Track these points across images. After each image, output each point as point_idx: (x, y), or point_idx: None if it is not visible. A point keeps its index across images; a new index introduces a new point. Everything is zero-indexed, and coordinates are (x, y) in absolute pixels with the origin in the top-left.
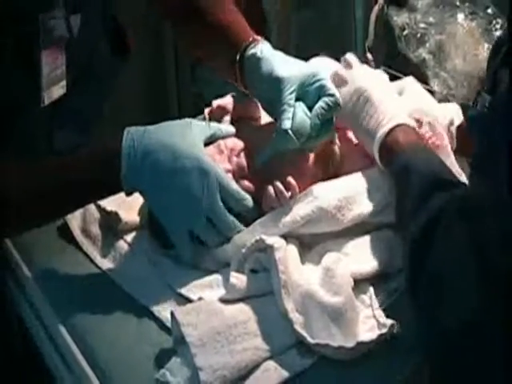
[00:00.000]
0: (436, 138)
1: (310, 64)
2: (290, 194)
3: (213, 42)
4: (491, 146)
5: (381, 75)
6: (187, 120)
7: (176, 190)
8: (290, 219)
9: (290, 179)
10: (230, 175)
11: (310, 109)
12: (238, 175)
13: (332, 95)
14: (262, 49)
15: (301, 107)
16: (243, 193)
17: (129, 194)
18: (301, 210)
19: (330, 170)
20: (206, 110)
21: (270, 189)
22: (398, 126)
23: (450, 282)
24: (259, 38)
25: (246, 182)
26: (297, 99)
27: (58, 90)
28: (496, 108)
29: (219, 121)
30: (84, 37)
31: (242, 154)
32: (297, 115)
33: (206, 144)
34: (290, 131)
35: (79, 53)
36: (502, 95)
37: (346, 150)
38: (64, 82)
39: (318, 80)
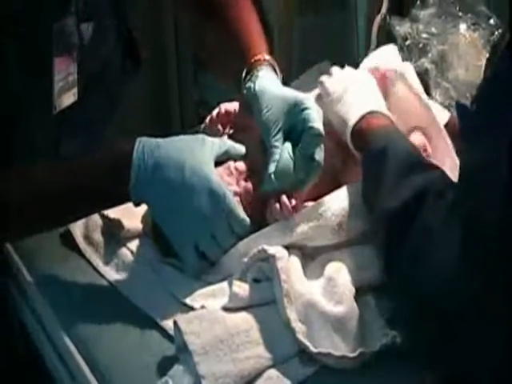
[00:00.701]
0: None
1: (296, 91)
2: (294, 204)
3: (224, 51)
4: (480, 128)
5: (369, 78)
6: (200, 136)
7: (184, 207)
8: (293, 233)
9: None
10: (237, 198)
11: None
12: (245, 199)
13: (311, 128)
14: (256, 81)
15: (287, 149)
16: (246, 218)
17: (137, 204)
18: (304, 225)
19: (336, 178)
20: (214, 113)
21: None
22: (371, 112)
23: (433, 259)
24: (261, 58)
25: (251, 208)
26: (286, 137)
27: (69, 98)
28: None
29: (224, 126)
30: (96, 45)
31: (250, 179)
32: (282, 158)
33: (217, 162)
34: (272, 176)
35: (90, 61)
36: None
37: (351, 158)
38: (75, 90)
39: (303, 109)
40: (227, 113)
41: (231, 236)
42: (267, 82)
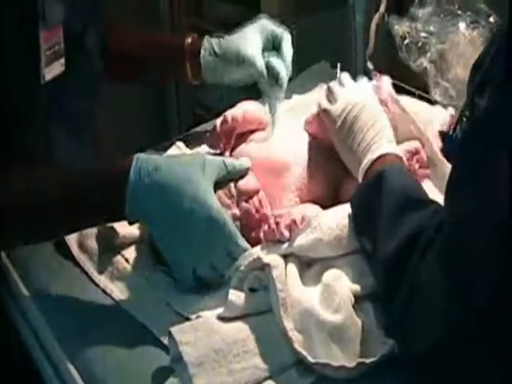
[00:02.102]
0: (425, 169)
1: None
2: (288, 223)
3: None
4: (467, 170)
5: (372, 94)
6: (200, 157)
7: (182, 234)
8: (290, 246)
9: (294, 217)
10: (237, 223)
11: None
12: (245, 222)
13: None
14: (213, 43)
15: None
16: (247, 245)
17: (131, 223)
18: (301, 239)
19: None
20: (218, 123)
21: (271, 222)
22: (383, 155)
23: (427, 305)
24: (193, 37)
25: (254, 234)
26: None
27: (57, 68)
28: (473, 133)
29: (228, 139)
30: (73, 19)
31: (251, 200)
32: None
33: (218, 183)
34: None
35: (69, 34)
36: (478, 121)
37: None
38: (63, 60)
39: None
40: (233, 120)
41: (231, 263)
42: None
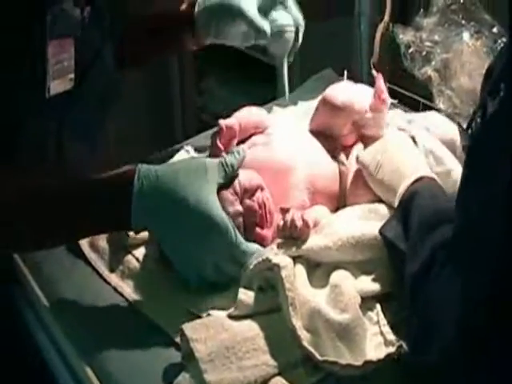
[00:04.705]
0: None
1: None
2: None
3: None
4: (474, 172)
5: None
6: (202, 161)
7: (185, 240)
8: (298, 249)
9: (306, 218)
10: (240, 219)
11: None
12: (249, 219)
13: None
14: None
15: None
16: (250, 247)
17: (137, 232)
18: (310, 243)
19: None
20: (213, 134)
21: (286, 219)
22: (418, 179)
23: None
24: None
25: (258, 230)
26: None
27: (65, 83)
28: (481, 136)
29: (228, 142)
30: (89, 32)
31: (255, 197)
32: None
33: (222, 185)
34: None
35: (83, 48)
36: (486, 124)
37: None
38: (72, 75)
39: None
40: (228, 128)
41: (237, 268)
42: None
